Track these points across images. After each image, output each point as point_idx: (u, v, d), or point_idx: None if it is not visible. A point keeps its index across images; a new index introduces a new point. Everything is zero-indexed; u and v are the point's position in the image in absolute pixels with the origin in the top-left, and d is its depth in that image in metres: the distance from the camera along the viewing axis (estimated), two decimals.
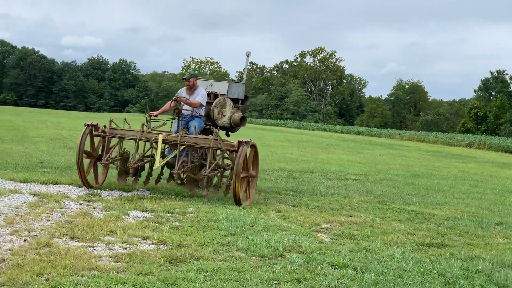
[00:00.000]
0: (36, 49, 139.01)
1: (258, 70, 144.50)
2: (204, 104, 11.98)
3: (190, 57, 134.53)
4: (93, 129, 11.12)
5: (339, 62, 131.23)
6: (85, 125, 11.04)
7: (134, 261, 6.36)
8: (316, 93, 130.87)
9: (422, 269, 6.88)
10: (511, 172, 25.99)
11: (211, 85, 12.68)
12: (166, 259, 6.51)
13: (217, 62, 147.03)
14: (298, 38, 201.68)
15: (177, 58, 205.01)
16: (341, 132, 69.62)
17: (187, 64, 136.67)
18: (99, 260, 6.30)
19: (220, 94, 12.48)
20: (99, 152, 11.41)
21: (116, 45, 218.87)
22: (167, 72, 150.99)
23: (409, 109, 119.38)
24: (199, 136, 11.10)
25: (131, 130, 11.16)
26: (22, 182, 11.18)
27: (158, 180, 11.66)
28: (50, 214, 8.59)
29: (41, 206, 9.03)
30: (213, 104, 12.18)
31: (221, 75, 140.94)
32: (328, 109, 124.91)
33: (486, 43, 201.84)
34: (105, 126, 11.16)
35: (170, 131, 11.71)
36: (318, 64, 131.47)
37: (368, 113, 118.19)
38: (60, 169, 13.51)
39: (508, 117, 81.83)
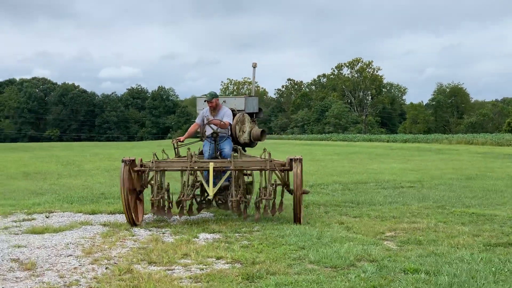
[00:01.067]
0: (76, 84, 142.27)
1: (296, 86, 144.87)
2: (232, 123, 11.61)
3: (228, 78, 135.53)
4: (130, 164, 10.36)
5: (377, 71, 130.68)
6: (122, 161, 10.30)
7: (214, 280, 6.62)
8: (356, 104, 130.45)
9: (493, 269, 6.99)
10: None
11: (224, 101, 12.16)
12: (243, 277, 6.75)
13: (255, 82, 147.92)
14: (333, 51, 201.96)
15: (214, 80, 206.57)
16: (387, 141, 69.23)
17: (225, 86, 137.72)
18: (180, 282, 6.59)
19: (238, 110, 12.10)
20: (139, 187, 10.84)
21: (154, 73, 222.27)
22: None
23: (451, 113, 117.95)
24: (249, 158, 11.05)
25: (178, 161, 10.81)
26: (90, 214, 11.62)
27: (200, 208, 11.32)
28: (124, 242, 8.94)
29: (114, 235, 9.40)
30: (234, 121, 11.70)
31: (260, 94, 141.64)
32: (369, 119, 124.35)
33: None
34: (151, 161, 10.66)
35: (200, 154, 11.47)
36: (356, 75, 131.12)
37: (411, 120, 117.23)
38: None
39: None
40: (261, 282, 6.53)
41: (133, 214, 10.25)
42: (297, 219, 10.32)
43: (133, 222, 10.19)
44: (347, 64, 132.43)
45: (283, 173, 10.72)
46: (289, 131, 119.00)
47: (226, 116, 11.38)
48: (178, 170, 10.65)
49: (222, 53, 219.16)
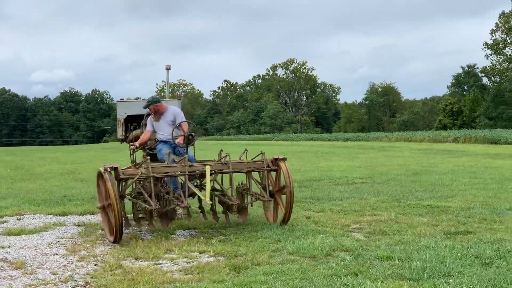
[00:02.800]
0: (6, 88, 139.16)
1: (232, 87, 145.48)
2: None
3: (163, 81, 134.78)
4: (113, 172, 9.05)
5: (311, 71, 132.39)
6: (104, 170, 8.83)
7: (204, 272, 7.02)
8: (291, 104, 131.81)
9: (459, 254, 7.60)
10: (504, 162, 26.84)
11: None
12: (230, 268, 7.18)
13: (190, 83, 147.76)
14: (269, 52, 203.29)
15: (150, 83, 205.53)
16: (329, 140, 70.43)
17: (160, 88, 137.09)
18: (172, 274, 6.97)
19: None
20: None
21: (87, 76, 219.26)
22: (140, 98, 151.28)
23: (384, 111, 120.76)
24: (242, 160, 10.41)
25: (175, 166, 9.56)
26: (61, 216, 11.84)
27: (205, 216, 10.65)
28: (104, 240, 9.24)
29: (92, 235, 9.70)
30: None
31: (195, 96, 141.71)
32: (305, 119, 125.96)
33: (454, 39, 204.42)
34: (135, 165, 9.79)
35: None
36: (291, 76, 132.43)
37: (345, 119, 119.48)
38: (87, 200, 14.10)
39: (483, 109, 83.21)
40: (249, 272, 6.97)
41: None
42: (286, 220, 10.04)
43: (120, 239, 8.85)
44: (282, 65, 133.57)
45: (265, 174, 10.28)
46: (225, 132, 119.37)
47: (178, 116, 10.93)
48: (177, 175, 9.51)
49: (158, 55, 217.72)
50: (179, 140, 10.55)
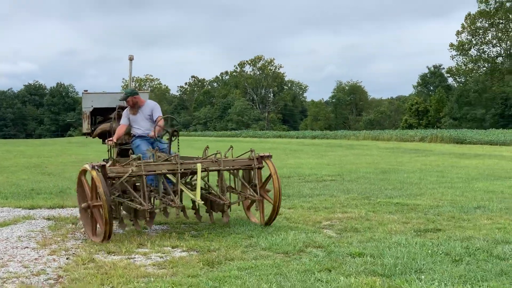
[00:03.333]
0: None
1: (199, 83, 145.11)
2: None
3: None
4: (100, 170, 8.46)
5: (279, 69, 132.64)
6: (92, 167, 8.37)
7: (178, 266, 7.01)
8: (258, 101, 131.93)
9: (429, 251, 7.71)
10: (470, 161, 27.23)
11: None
12: (204, 263, 7.18)
13: (156, 78, 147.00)
14: (237, 49, 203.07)
15: (116, 78, 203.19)
16: (297, 137, 70.70)
17: (126, 83, 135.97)
18: (146, 269, 6.95)
19: None
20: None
21: (52, 69, 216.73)
22: (105, 91, 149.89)
23: (351, 110, 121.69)
24: (235, 158, 9.95)
25: (166, 163, 9.01)
26: (29, 209, 11.72)
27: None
28: (74, 234, 9.18)
29: (62, 228, 9.63)
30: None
31: (162, 92, 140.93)
32: (271, 116, 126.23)
33: (421, 39, 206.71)
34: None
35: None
36: (258, 73, 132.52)
37: (312, 117, 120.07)
38: (55, 194, 13.99)
39: (448, 110, 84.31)
40: (223, 267, 6.98)
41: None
42: (271, 221, 9.71)
43: (109, 237, 8.43)
44: (249, 62, 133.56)
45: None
46: (191, 128, 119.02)
47: (155, 111, 10.53)
48: (169, 173, 9.06)
49: (125, 49, 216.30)
50: (152, 134, 10.24)
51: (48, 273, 6.83)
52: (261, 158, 9.89)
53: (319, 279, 6.41)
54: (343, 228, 9.54)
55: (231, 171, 9.79)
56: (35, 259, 7.55)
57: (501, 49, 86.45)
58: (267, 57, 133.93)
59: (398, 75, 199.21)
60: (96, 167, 8.33)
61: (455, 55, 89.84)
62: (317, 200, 12.96)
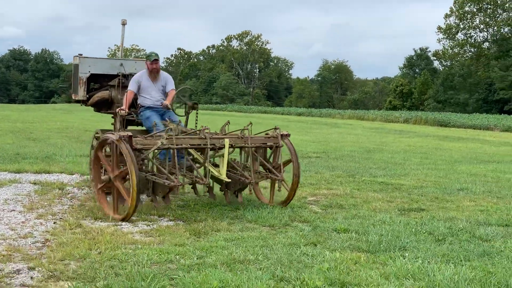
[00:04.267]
0: None
1: (186, 56, 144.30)
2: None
3: (115, 45, 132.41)
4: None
5: (265, 45, 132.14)
6: (120, 139, 7.77)
7: (165, 235, 7.06)
8: (244, 76, 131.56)
9: (413, 230, 7.82)
10: (453, 144, 27.47)
11: (121, 65, 10.40)
12: (191, 232, 7.24)
13: (143, 49, 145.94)
14: (225, 23, 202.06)
15: (102, 46, 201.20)
16: (282, 114, 70.76)
17: (112, 52, 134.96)
18: (133, 236, 6.99)
19: None
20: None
21: (38, 35, 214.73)
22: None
23: (336, 89, 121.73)
24: (257, 135, 9.56)
25: (196, 137, 8.53)
26: (16, 173, 11.69)
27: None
28: (61, 199, 9.20)
29: (48, 193, 9.63)
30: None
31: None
32: (256, 92, 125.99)
33: (409, 21, 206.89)
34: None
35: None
36: (245, 48, 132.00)
37: (296, 94, 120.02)
38: (41, 159, 13.96)
39: (432, 92, 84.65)
40: (209, 237, 7.04)
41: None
42: (289, 201, 9.44)
43: (135, 210, 7.84)
44: (237, 36, 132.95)
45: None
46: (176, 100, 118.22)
47: (169, 82, 9.84)
48: (200, 148, 8.52)
49: (112, 18, 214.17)
50: (167, 102, 9.51)
51: (35, 236, 6.85)
52: (281, 137, 9.53)
53: (304, 253, 6.48)
54: (328, 204, 9.62)
55: (257, 149, 9.26)
56: (22, 222, 7.56)
57: (488, 34, 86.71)
58: (255, 33, 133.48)
59: (384, 56, 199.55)
60: (124, 138, 7.76)
61: (442, 38, 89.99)
62: (302, 176, 12.98)
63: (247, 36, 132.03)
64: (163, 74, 9.79)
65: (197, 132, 8.63)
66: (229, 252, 6.36)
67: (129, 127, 10.05)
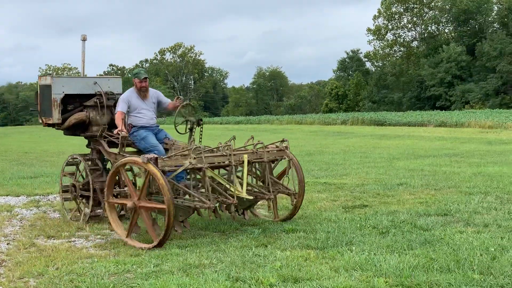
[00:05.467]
0: None
1: (119, 72, 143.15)
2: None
3: (46, 64, 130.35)
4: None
5: (199, 56, 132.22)
6: (147, 160, 7.24)
7: (119, 247, 7.24)
8: (180, 88, 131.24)
9: (358, 225, 8.18)
10: (391, 142, 28.23)
11: (95, 83, 9.72)
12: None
13: (75, 67, 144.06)
14: (157, 36, 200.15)
15: (32, 67, 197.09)
16: (221, 123, 71.03)
17: (43, 73, 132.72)
18: (88, 250, 7.14)
19: (117, 94, 9.75)
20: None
21: None
22: (21, 82, 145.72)
23: (272, 95, 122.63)
24: (269, 148, 9.16)
25: (220, 155, 8.12)
26: None
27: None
28: (11, 221, 9.22)
29: None
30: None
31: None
32: (193, 103, 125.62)
33: (340, 24, 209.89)
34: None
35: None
36: (178, 60, 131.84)
37: (233, 103, 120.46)
38: None
39: (366, 93, 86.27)
40: (166, 246, 7.23)
41: None
42: (293, 215, 9.00)
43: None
44: (170, 49, 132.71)
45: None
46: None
47: (162, 97, 9.60)
48: (223, 166, 8.30)
49: (42, 38, 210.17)
50: (172, 106, 9.28)
51: None
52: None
53: (256, 254, 6.75)
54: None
55: (268, 163, 8.92)
56: None
57: (416, 33, 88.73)
58: (187, 44, 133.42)
59: (318, 60, 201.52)
60: (151, 160, 7.24)
61: (372, 39, 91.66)
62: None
63: (179, 48, 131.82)
64: (151, 91, 9.41)
65: (218, 149, 8.21)
66: (184, 258, 6.58)
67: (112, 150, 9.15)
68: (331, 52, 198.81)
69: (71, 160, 9.57)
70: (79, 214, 9.20)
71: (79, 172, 9.47)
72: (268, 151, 8.88)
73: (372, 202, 10.26)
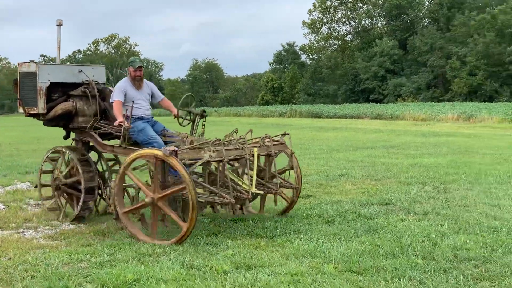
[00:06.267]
0: None
1: (51, 62, 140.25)
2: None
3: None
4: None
5: (134, 47, 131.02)
6: (169, 153, 6.94)
7: (70, 238, 7.25)
8: (114, 81, 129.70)
9: (304, 214, 8.43)
10: (329, 134, 28.71)
11: (80, 71, 9.12)
12: (95, 233, 7.48)
13: (5, 58, 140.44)
14: (91, 27, 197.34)
15: None
16: (160, 115, 70.65)
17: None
18: (38, 241, 7.12)
19: (101, 83, 9.39)
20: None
21: None
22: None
23: (207, 88, 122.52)
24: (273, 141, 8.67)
25: (234, 148, 7.81)
26: None
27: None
28: None
29: None
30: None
31: (11, 71, 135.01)
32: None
33: (278, 17, 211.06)
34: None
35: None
36: (113, 51, 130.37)
37: (169, 96, 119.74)
38: None
39: (302, 86, 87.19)
40: (115, 236, 7.34)
41: None
42: (289, 210, 8.78)
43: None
44: (104, 40, 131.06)
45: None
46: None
47: (156, 90, 9.11)
48: (237, 159, 7.97)
49: None
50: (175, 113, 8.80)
51: None
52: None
53: (208, 243, 6.89)
54: None
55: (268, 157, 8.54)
56: None
57: (350, 27, 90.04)
58: (122, 36, 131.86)
59: (254, 53, 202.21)
60: (173, 152, 6.94)
61: (307, 33, 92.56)
62: None
63: (114, 39, 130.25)
64: (146, 82, 8.91)
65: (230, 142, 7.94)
66: (137, 247, 6.66)
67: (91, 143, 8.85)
68: (267, 45, 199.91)
69: (55, 152, 8.85)
70: (58, 211, 8.64)
71: (66, 166, 8.67)
72: (275, 145, 8.51)
73: (316, 192, 10.52)
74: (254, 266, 5.95)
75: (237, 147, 7.78)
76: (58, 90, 8.90)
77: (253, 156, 7.92)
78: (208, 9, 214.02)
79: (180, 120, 8.81)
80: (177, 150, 6.99)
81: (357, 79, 77.65)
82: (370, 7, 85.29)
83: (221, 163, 7.46)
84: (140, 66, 8.59)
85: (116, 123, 8.18)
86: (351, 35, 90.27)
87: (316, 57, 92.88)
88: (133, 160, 7.34)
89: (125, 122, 7.98)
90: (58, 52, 9.64)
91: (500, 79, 62.09)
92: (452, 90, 64.75)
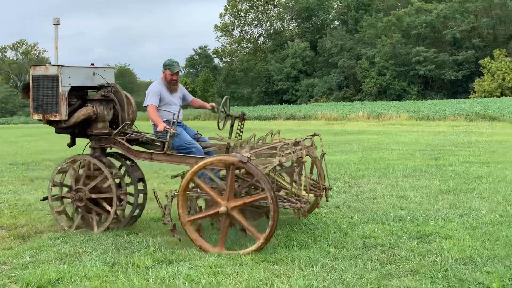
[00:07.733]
0: None
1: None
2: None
3: None
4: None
5: (43, 53, 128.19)
6: (246, 160, 6.55)
7: None
8: (23, 88, 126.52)
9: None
10: (244, 135, 29.05)
11: (95, 74, 8.38)
12: (15, 237, 7.56)
13: None
14: None
15: None
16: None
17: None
18: None
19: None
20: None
21: None
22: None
23: None
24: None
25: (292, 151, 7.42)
26: None
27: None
28: None
29: None
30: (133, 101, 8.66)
31: None
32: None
33: (190, 21, 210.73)
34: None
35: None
36: (21, 57, 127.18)
37: None
38: None
39: (216, 89, 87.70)
40: (35, 239, 7.42)
41: None
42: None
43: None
44: (11, 46, 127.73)
45: None
46: None
47: (186, 92, 9.00)
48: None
49: None
50: (214, 104, 8.71)
51: None
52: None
53: (129, 241, 7.13)
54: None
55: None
56: None
57: (262, 30, 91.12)
58: (31, 41, 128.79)
59: (166, 57, 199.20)
60: (249, 159, 6.58)
61: (220, 36, 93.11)
62: None
63: (22, 45, 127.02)
64: (179, 84, 8.71)
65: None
66: (58, 249, 6.80)
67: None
68: (180, 48, 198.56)
69: (74, 161, 8.25)
70: (71, 223, 8.10)
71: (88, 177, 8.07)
72: (312, 146, 8.25)
73: None
74: (175, 261, 6.22)
75: (293, 150, 7.44)
76: (72, 95, 8.15)
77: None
78: (117, 15, 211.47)
79: (221, 124, 8.56)
80: (249, 157, 6.64)
81: (270, 81, 78.67)
82: (280, 9, 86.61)
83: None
84: (178, 72, 8.41)
85: (159, 129, 7.86)
86: (263, 38, 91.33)
87: (229, 60, 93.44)
88: (201, 168, 6.90)
89: (171, 129, 7.60)
90: (56, 53, 8.86)
91: (407, 78, 64.51)
92: (363, 90, 66.70)
